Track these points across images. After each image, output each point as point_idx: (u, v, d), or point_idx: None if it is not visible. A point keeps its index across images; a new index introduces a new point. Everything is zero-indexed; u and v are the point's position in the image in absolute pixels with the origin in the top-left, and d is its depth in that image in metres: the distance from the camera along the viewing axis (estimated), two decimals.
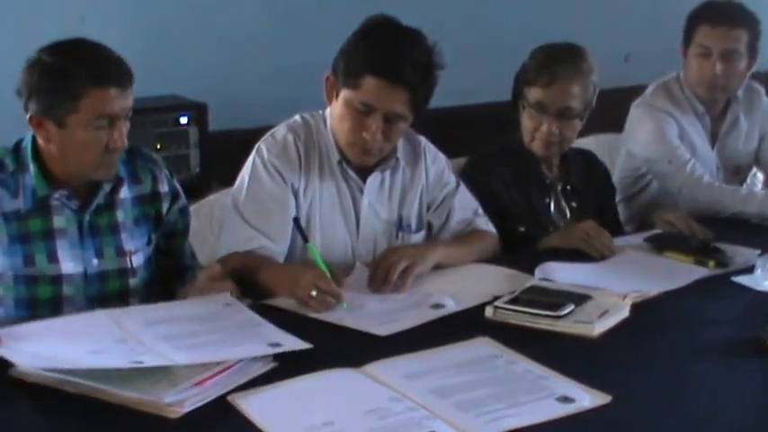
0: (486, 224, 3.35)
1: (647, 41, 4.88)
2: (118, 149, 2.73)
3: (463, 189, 3.37)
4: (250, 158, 3.16)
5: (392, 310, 2.80)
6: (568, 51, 3.52)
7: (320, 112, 3.21)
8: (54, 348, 2.39)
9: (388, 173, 3.22)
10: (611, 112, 4.19)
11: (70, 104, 2.64)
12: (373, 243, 3.20)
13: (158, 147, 4.29)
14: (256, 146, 3.16)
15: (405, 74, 2.96)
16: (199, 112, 4.39)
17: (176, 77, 4.51)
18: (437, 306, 2.82)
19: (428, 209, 3.33)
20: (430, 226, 3.34)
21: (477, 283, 2.99)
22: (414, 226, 3.28)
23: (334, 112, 3.11)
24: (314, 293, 2.77)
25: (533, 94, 3.49)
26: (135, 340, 2.44)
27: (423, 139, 3.35)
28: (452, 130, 4.35)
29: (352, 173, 3.17)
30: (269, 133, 3.18)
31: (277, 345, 2.47)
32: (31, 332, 2.50)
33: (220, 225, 3.23)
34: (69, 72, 2.65)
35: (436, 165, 3.34)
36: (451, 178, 3.38)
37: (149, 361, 2.32)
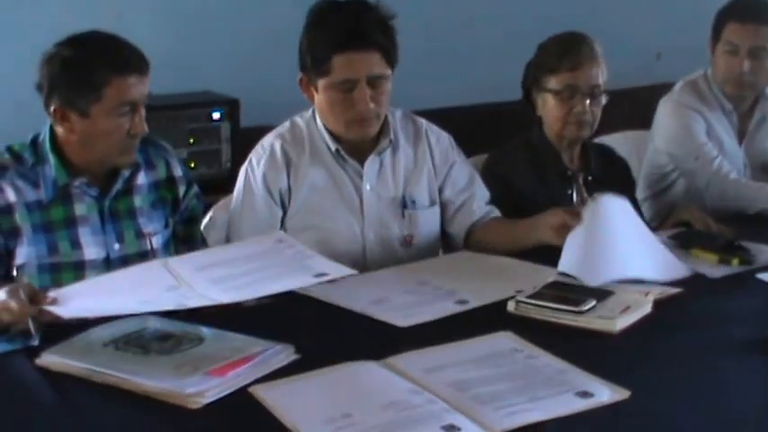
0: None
1: (678, 39, 4.86)
2: (139, 134, 2.80)
3: (479, 179, 3.42)
4: (242, 169, 3.24)
5: (416, 303, 2.79)
6: (581, 37, 3.55)
7: (309, 112, 3.24)
8: (105, 301, 2.49)
9: (387, 155, 3.25)
10: (642, 109, 4.19)
11: (93, 94, 2.70)
12: (380, 225, 3.22)
13: (190, 142, 4.32)
14: (249, 156, 3.24)
15: (368, 37, 3.02)
16: (231, 107, 4.41)
17: (209, 73, 4.54)
18: (461, 302, 2.80)
19: (440, 188, 3.35)
20: (445, 205, 3.37)
21: (500, 278, 2.97)
22: (426, 201, 3.30)
23: (321, 106, 3.15)
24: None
25: (560, 80, 3.49)
26: (186, 286, 2.49)
27: (424, 121, 3.39)
28: (484, 127, 4.35)
29: (350, 160, 3.20)
30: (259, 142, 3.24)
31: (323, 274, 2.54)
32: (84, 289, 2.58)
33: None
34: (90, 63, 2.71)
35: (440, 144, 3.38)
36: (457, 157, 3.40)
37: (194, 303, 2.40)
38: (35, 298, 2.45)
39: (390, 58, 3.09)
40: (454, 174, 3.37)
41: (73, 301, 2.47)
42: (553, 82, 3.51)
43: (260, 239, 2.84)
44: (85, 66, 2.71)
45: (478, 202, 3.37)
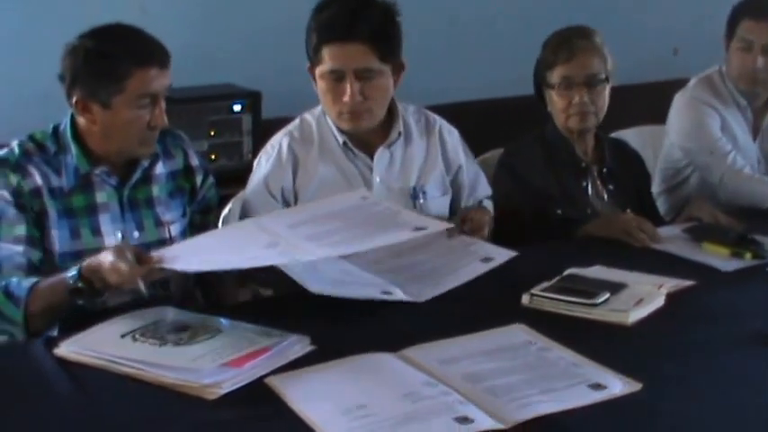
0: (490, 207, 3.37)
1: (695, 35, 4.85)
2: (159, 126, 2.81)
3: (480, 170, 3.43)
4: (255, 165, 3.27)
5: (444, 265, 2.87)
6: (578, 29, 3.56)
7: (320, 106, 3.25)
8: (211, 258, 2.59)
9: (398, 148, 3.25)
10: (659, 104, 4.18)
11: (115, 86, 2.72)
12: None
13: (212, 134, 4.32)
14: (260, 153, 3.27)
15: (355, 29, 3.02)
16: (252, 100, 4.41)
17: (230, 66, 4.54)
18: (487, 260, 2.86)
19: (453, 179, 3.36)
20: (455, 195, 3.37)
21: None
22: (437, 191, 3.30)
23: (320, 94, 3.17)
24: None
25: (557, 73, 3.51)
26: (285, 242, 2.56)
27: (437, 116, 3.40)
28: (501, 121, 4.34)
29: (359, 152, 3.21)
30: (270, 140, 3.27)
31: (421, 228, 2.65)
32: (186, 248, 2.68)
33: None
34: (113, 55, 2.72)
35: (452, 137, 3.38)
36: (464, 153, 3.40)
37: (301, 257, 2.52)
38: (141, 258, 2.51)
39: (384, 53, 3.08)
40: (462, 172, 3.37)
41: (179, 258, 2.55)
42: (552, 76, 3.53)
43: (345, 196, 2.94)
44: (108, 58, 2.72)
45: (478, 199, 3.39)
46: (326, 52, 3.05)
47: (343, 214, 2.74)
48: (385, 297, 2.61)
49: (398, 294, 2.65)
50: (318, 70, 3.10)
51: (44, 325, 2.66)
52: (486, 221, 3.11)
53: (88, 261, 2.57)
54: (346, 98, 3.06)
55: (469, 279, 2.77)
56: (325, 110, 3.19)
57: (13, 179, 2.76)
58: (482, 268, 2.82)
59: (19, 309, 2.63)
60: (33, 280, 2.66)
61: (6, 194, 2.75)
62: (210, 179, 3.09)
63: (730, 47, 3.99)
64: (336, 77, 3.06)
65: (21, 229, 2.75)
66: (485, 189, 3.41)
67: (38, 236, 2.78)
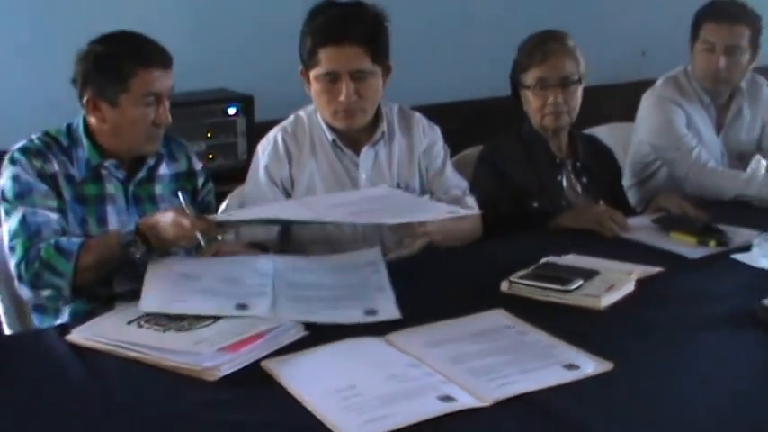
0: (473, 204, 3.32)
1: (662, 38, 4.85)
2: (163, 124, 2.85)
3: (450, 169, 3.39)
4: (254, 158, 3.28)
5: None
6: (552, 33, 3.56)
7: (313, 105, 3.25)
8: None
9: (381, 146, 3.25)
10: (629, 103, 4.19)
11: (121, 85, 2.76)
12: None
13: (208, 136, 4.32)
14: (257, 147, 3.27)
15: (350, 33, 3.04)
16: (246, 103, 4.41)
17: (225, 72, 4.53)
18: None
19: (427, 171, 3.35)
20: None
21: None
22: (418, 188, 3.29)
23: (314, 95, 3.17)
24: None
25: (533, 75, 3.51)
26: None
27: (417, 114, 3.39)
28: (481, 120, 4.35)
29: (347, 150, 3.22)
30: (266, 136, 3.28)
31: (453, 211, 2.80)
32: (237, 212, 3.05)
33: None
34: (119, 57, 2.77)
35: (429, 136, 3.36)
36: (441, 153, 3.38)
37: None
38: (198, 218, 2.65)
39: (376, 56, 3.09)
40: (431, 171, 3.36)
41: (233, 215, 2.85)
42: (528, 77, 3.53)
43: (371, 190, 3.08)
44: (114, 60, 2.77)
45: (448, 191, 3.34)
46: (322, 55, 3.05)
47: (378, 200, 2.88)
48: (369, 319, 2.52)
49: (381, 314, 2.54)
50: (314, 72, 3.10)
51: (92, 279, 2.73)
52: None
53: (144, 219, 2.72)
54: (342, 98, 3.07)
55: (428, 219, 2.90)
56: (319, 110, 3.19)
57: (37, 163, 2.81)
58: (445, 213, 2.89)
59: (69, 262, 2.68)
60: (84, 238, 2.74)
61: (33, 175, 2.80)
62: (210, 184, 3.12)
63: (694, 48, 4.00)
64: (332, 79, 3.07)
65: (53, 202, 2.80)
66: (458, 182, 3.37)
67: (66, 212, 2.83)
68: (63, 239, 2.72)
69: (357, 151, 3.23)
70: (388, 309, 2.54)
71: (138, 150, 2.89)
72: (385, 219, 2.85)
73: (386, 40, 3.13)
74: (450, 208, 2.91)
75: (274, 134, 3.24)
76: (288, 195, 3.18)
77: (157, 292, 2.50)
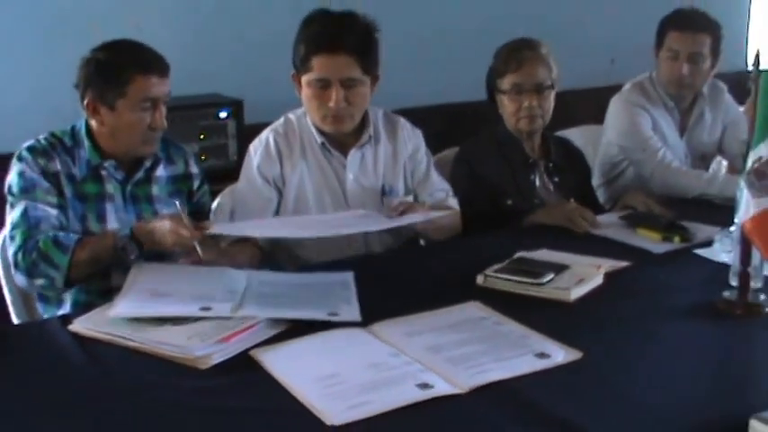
0: (455, 205, 3.35)
1: (630, 46, 4.84)
2: (159, 128, 2.85)
3: (434, 172, 3.39)
4: (246, 158, 3.27)
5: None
6: (526, 41, 3.57)
7: (302, 108, 3.25)
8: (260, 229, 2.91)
9: (368, 148, 3.26)
10: (599, 107, 4.20)
11: (119, 90, 2.78)
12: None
13: (201, 138, 4.31)
14: (249, 147, 3.27)
15: (343, 43, 3.04)
16: (236, 107, 4.40)
17: (217, 77, 4.52)
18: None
19: (412, 174, 3.35)
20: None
21: None
22: (402, 189, 3.30)
23: (304, 99, 3.17)
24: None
25: (508, 80, 3.52)
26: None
27: (401, 119, 3.39)
28: (459, 122, 4.35)
29: (335, 152, 3.22)
30: (258, 136, 3.27)
31: (334, 314, 2.49)
32: (235, 225, 2.99)
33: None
34: (118, 63, 2.79)
35: (413, 141, 3.37)
36: (425, 158, 3.40)
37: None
38: (196, 226, 2.64)
39: (366, 66, 3.09)
40: (416, 176, 3.37)
41: (230, 228, 2.83)
42: (503, 83, 3.54)
43: (353, 211, 3.08)
44: (113, 66, 2.79)
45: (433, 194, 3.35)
46: (315, 62, 3.05)
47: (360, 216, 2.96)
48: (331, 318, 2.46)
49: (344, 316, 2.48)
50: (305, 78, 3.10)
51: (85, 274, 2.73)
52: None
53: (139, 223, 2.72)
54: (332, 103, 3.07)
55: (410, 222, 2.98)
56: (309, 113, 3.19)
57: (41, 161, 2.83)
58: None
59: (66, 255, 2.69)
60: (81, 235, 2.75)
61: (37, 172, 2.81)
62: (206, 187, 3.12)
63: (659, 55, 4.02)
64: (323, 85, 3.07)
65: (53, 199, 2.81)
66: (442, 184, 3.39)
67: (66, 209, 2.84)
68: (61, 234, 2.74)
69: (345, 153, 3.23)
70: (351, 313, 2.49)
71: (134, 152, 2.90)
72: (371, 227, 2.90)
73: (376, 51, 3.13)
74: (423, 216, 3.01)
75: (266, 135, 3.23)
76: (280, 193, 3.18)
77: (128, 300, 2.48)
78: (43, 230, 2.74)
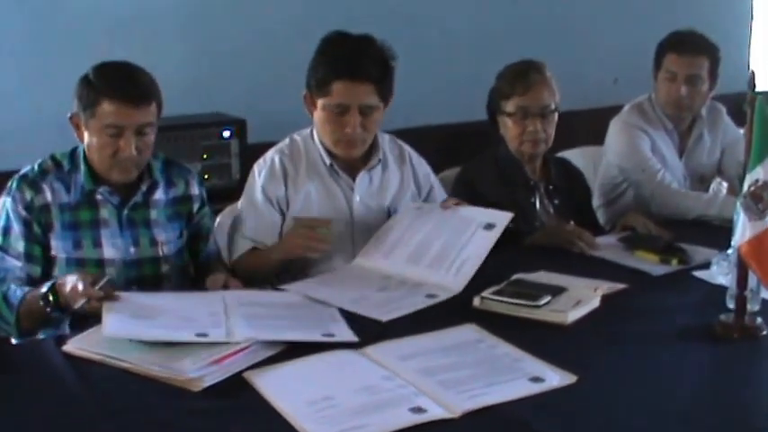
0: None
1: (633, 66, 4.82)
2: (125, 158, 2.77)
3: (443, 193, 3.39)
4: (249, 177, 3.22)
5: (392, 299, 2.75)
6: (531, 64, 3.52)
7: (308, 129, 3.22)
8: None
9: (377, 172, 3.22)
10: (602, 128, 4.16)
11: (90, 111, 2.74)
12: (368, 232, 3.14)
13: (204, 157, 4.27)
14: (253, 167, 3.22)
15: (366, 70, 3.01)
16: (239, 127, 4.37)
17: (221, 98, 4.50)
18: (430, 296, 2.76)
19: (425, 200, 3.33)
20: None
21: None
22: None
23: (317, 122, 3.13)
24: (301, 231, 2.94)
25: (513, 103, 3.47)
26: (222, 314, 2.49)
27: (407, 146, 3.38)
28: (461, 142, 4.32)
29: (342, 174, 3.18)
30: (263, 156, 3.22)
31: (330, 335, 2.43)
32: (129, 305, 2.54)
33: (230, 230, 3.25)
34: (93, 84, 2.75)
35: (422, 167, 3.37)
36: (437, 182, 3.41)
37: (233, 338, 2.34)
38: (92, 286, 2.52)
39: (383, 93, 3.08)
40: (434, 192, 3.36)
41: (115, 315, 2.44)
42: (508, 105, 3.48)
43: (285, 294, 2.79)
44: (89, 85, 2.75)
45: None
46: (336, 87, 3.01)
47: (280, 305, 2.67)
48: (327, 340, 2.40)
49: (340, 336, 2.43)
50: (323, 101, 3.05)
51: (31, 327, 2.70)
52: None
53: (60, 279, 2.63)
54: (349, 129, 3.04)
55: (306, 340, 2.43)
56: (321, 135, 3.15)
57: (28, 194, 2.78)
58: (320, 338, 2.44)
59: (12, 313, 2.68)
60: (27, 289, 2.69)
61: (20, 209, 2.77)
62: (206, 209, 3.06)
63: (658, 77, 3.99)
64: (342, 111, 3.03)
65: (21, 246, 2.78)
66: None
67: (38, 253, 2.80)
68: (12, 288, 2.70)
69: (352, 175, 3.19)
70: (345, 333, 2.45)
71: (108, 177, 2.82)
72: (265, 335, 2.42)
73: (392, 79, 3.11)
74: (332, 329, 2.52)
75: (271, 155, 3.19)
76: (283, 215, 3.14)
77: (119, 320, 2.41)
78: (6, 283, 2.73)
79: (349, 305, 2.66)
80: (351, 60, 3.02)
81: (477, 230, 2.99)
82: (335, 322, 2.53)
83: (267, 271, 3.06)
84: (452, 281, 2.83)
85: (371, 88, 3.03)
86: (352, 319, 2.57)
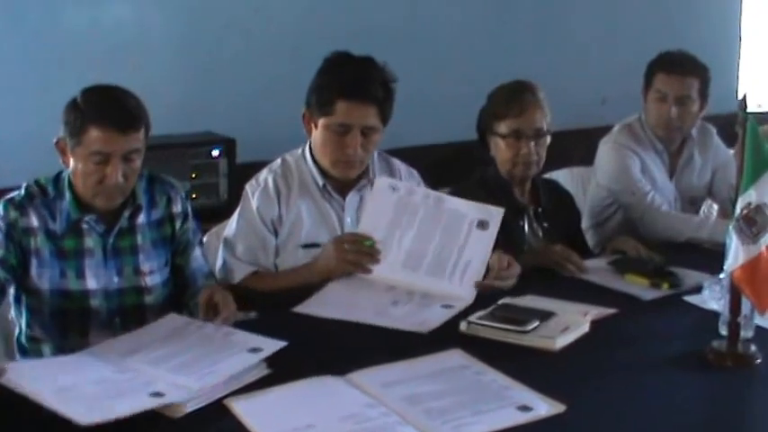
0: None
1: (621, 86, 4.78)
2: (111, 185, 2.67)
3: None
4: (241, 198, 3.17)
5: (412, 312, 2.76)
6: (524, 85, 3.43)
7: (299, 150, 3.16)
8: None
9: (366, 192, 3.15)
10: (590, 148, 4.11)
11: (76, 137, 2.64)
12: None
13: (193, 176, 4.23)
14: (245, 188, 3.16)
15: (369, 92, 2.98)
16: (228, 146, 4.32)
17: (210, 117, 4.46)
18: (446, 306, 2.77)
19: None
20: None
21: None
22: None
23: (316, 141, 3.07)
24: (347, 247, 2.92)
25: (507, 125, 3.37)
26: (130, 370, 2.30)
27: (396, 161, 3.32)
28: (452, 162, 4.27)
29: (335, 194, 3.13)
30: (255, 176, 3.17)
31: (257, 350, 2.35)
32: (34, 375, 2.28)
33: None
34: (80, 109, 2.64)
35: (413, 178, 3.31)
36: None
37: (168, 390, 2.16)
38: None
39: (384, 115, 3.04)
40: None
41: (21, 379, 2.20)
42: (501, 127, 3.39)
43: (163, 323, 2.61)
44: (76, 111, 2.65)
45: None
46: (340, 107, 2.96)
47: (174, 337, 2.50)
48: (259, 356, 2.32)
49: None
50: (325, 121, 3.00)
51: None
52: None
53: None
54: (350, 150, 3.00)
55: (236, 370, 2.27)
56: (318, 155, 3.09)
57: (13, 215, 2.69)
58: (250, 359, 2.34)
59: None
60: None
61: (2, 224, 2.69)
62: (189, 223, 2.92)
63: (648, 97, 3.94)
64: (344, 131, 2.98)
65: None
66: None
67: (13, 263, 2.69)
68: None
69: (343, 195, 3.14)
70: (269, 343, 2.36)
71: (92, 203, 2.73)
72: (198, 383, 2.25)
73: (393, 101, 3.08)
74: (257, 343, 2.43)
75: (264, 176, 3.14)
76: (275, 235, 3.08)
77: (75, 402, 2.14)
78: None
79: (374, 318, 2.68)
80: (356, 81, 2.98)
81: (471, 230, 2.96)
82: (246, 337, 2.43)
83: (281, 291, 2.96)
84: (461, 290, 2.85)
85: (374, 110, 3.00)
86: (334, 344, 2.52)
